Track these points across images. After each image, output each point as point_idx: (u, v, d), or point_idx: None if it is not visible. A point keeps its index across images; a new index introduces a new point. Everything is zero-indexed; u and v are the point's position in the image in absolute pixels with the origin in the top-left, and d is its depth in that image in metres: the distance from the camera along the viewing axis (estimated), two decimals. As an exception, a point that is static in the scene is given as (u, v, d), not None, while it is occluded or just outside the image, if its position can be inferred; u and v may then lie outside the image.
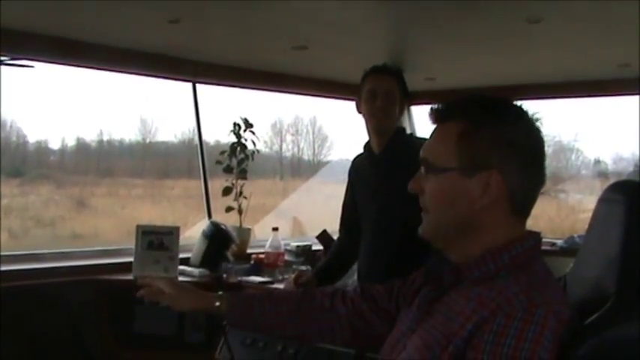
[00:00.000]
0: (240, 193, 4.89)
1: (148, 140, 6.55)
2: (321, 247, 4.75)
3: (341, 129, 6.99)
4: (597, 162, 7.00)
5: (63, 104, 5.45)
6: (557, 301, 1.49)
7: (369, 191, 3.70)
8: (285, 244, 4.73)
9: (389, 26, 3.83)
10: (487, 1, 3.12)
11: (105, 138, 6.43)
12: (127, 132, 6.55)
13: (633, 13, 3.18)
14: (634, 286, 1.49)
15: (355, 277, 4.22)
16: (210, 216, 4.93)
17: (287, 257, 4.64)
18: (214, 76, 4.81)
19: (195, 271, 4.26)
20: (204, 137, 5.02)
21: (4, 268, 3.75)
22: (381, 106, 3.58)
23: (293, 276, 3.93)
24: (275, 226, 4.65)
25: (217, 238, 4.46)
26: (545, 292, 1.50)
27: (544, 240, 1.73)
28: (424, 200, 1.68)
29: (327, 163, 7.25)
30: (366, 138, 3.77)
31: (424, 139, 1.71)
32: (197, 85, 4.85)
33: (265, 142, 6.96)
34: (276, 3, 3.22)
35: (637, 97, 4.94)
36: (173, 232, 4.20)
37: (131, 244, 4.18)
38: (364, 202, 3.74)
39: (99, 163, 6.63)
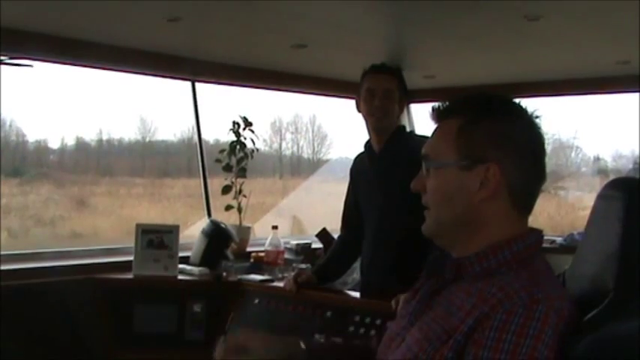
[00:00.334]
0: (240, 191, 4.89)
1: (147, 139, 6.56)
2: (320, 246, 4.76)
3: (340, 127, 6.99)
4: (597, 159, 7.01)
5: (62, 103, 5.45)
6: (557, 298, 1.50)
7: (371, 190, 3.71)
8: (285, 243, 4.73)
9: (388, 24, 3.83)
10: (486, -2, 3.13)
11: (104, 137, 6.43)
12: (126, 131, 6.55)
13: (632, 10, 3.18)
14: (633, 283, 1.50)
15: (355, 275, 4.23)
16: (209, 214, 4.93)
17: (287, 256, 4.64)
18: (213, 74, 4.81)
19: (195, 269, 4.26)
20: (204, 136, 5.02)
21: (3, 267, 3.75)
22: (380, 105, 3.59)
23: (293, 274, 3.94)
24: (275, 224, 4.65)
25: (217, 237, 4.46)
26: (546, 289, 1.51)
27: (544, 237, 1.73)
28: (426, 198, 1.69)
29: (327, 161, 7.25)
30: (366, 136, 3.78)
31: (424, 137, 1.73)
32: (196, 84, 4.85)
33: (265, 140, 6.97)
34: (275, 2, 3.22)
35: (636, 94, 4.94)
36: (173, 231, 4.29)
37: (131, 243, 4.25)
38: (366, 201, 3.75)
39: (98, 162, 6.64)
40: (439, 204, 1.66)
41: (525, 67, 4.88)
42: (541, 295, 1.47)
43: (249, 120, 4.94)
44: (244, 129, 4.92)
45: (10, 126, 5.77)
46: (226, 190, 4.89)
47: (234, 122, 4.91)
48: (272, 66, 4.89)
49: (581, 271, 1.65)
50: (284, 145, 7.29)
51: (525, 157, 1.61)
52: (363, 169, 3.79)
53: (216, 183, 4.98)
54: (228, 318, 3.99)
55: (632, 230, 1.51)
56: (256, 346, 1.86)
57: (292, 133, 7.27)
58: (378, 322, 3.40)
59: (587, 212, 1.67)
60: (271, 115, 6.89)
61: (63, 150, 6.36)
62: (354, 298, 3.76)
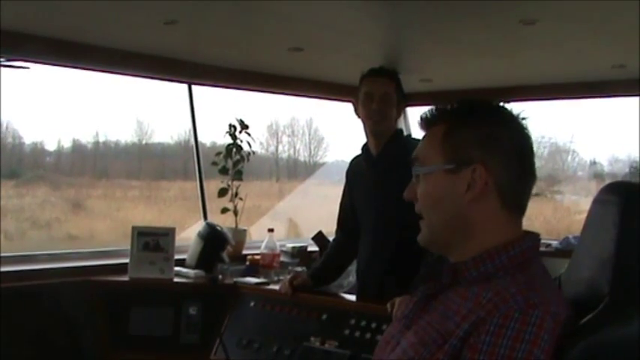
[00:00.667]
0: (236, 194, 4.90)
1: (144, 141, 6.56)
2: (316, 249, 4.76)
3: (337, 130, 7.00)
4: (593, 163, 7.01)
5: (59, 105, 5.45)
6: (554, 302, 1.50)
7: (367, 193, 3.71)
8: (281, 246, 4.74)
9: (384, 28, 3.83)
10: (482, 3, 3.13)
11: (101, 139, 6.43)
12: (123, 133, 6.55)
13: (628, 14, 3.19)
14: (628, 287, 1.50)
15: (351, 277, 4.24)
16: (205, 217, 4.93)
17: (282, 258, 4.65)
18: (210, 77, 4.81)
19: (191, 272, 4.26)
20: (200, 139, 5.02)
21: (-1, 269, 3.75)
22: (378, 109, 3.60)
23: (288, 277, 3.94)
24: (271, 227, 4.66)
25: (213, 240, 4.46)
26: (543, 293, 1.51)
27: (539, 241, 1.74)
28: (419, 207, 1.71)
29: (323, 164, 7.26)
30: (362, 139, 3.79)
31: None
32: (193, 87, 4.85)
33: (261, 143, 6.96)
34: (272, 5, 3.22)
35: (632, 98, 4.95)
36: (169, 234, 4.29)
37: (127, 246, 4.25)
38: (362, 204, 3.75)
39: (95, 164, 6.64)
40: (430, 209, 1.68)
41: (521, 71, 4.88)
42: (537, 299, 1.48)
43: (246, 123, 4.94)
44: (241, 132, 4.93)
45: (7, 128, 5.77)
46: (222, 192, 4.89)
47: (230, 125, 4.92)
48: (269, 69, 4.89)
49: (577, 275, 1.65)
50: (280, 148, 7.30)
51: (511, 156, 1.63)
52: (359, 171, 3.79)
53: (213, 186, 4.98)
54: (224, 321, 3.99)
55: (628, 235, 1.51)
56: None
57: (289, 136, 7.28)
58: (374, 325, 3.41)
59: (583, 216, 1.67)
60: (268, 117, 6.90)
61: (59, 152, 6.36)
62: (350, 301, 3.76)
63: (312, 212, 6.49)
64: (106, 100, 5.39)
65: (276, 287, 3.97)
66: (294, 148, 7.34)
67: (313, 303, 3.75)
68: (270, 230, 4.60)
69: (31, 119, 5.57)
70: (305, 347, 3.57)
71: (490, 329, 1.44)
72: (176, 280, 4.22)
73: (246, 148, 4.94)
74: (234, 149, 4.91)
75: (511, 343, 1.41)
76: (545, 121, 6.02)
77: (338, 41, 4.01)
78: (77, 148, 6.41)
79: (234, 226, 4.85)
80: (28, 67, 3.96)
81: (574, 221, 6.25)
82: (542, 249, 1.76)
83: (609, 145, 6.65)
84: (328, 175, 6.82)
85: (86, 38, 3.92)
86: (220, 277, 4.24)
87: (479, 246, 1.61)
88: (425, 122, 1.72)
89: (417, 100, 4.92)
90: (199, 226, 4.64)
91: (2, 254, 3.96)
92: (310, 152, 7.40)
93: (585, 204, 1.51)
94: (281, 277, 4.22)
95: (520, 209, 1.67)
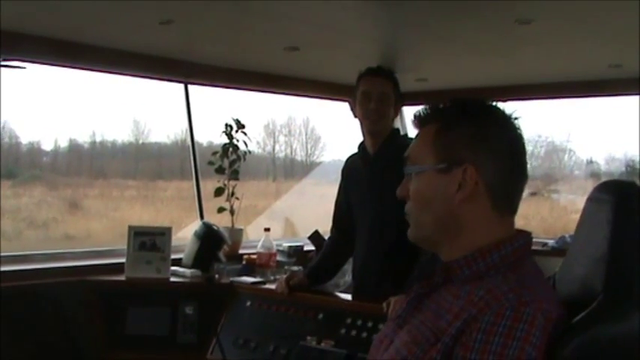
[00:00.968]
0: (232, 193, 4.89)
1: (140, 141, 6.57)
2: (313, 248, 4.76)
3: (334, 130, 7.01)
4: (590, 162, 7.03)
5: (55, 105, 5.46)
6: (546, 300, 1.50)
7: (363, 192, 3.71)
8: (277, 245, 4.73)
9: (380, 27, 3.83)
10: (478, 2, 3.13)
11: (97, 139, 6.45)
12: (119, 133, 6.57)
13: (624, 14, 3.20)
14: (621, 285, 1.50)
15: (347, 277, 4.24)
16: (202, 217, 4.93)
17: (279, 258, 4.64)
18: (206, 77, 4.81)
19: (187, 271, 4.26)
20: (197, 138, 5.02)
21: (-4, 269, 3.75)
22: (375, 108, 3.60)
23: (285, 277, 3.94)
24: (267, 226, 4.66)
25: (209, 239, 4.46)
26: (534, 291, 1.51)
27: (535, 240, 1.74)
28: (409, 205, 1.71)
29: (320, 164, 7.26)
30: (359, 139, 3.79)
31: (418, 141, 1.75)
32: (189, 86, 4.85)
33: (258, 142, 6.98)
34: (267, 4, 3.22)
35: (629, 97, 4.96)
36: (165, 233, 4.29)
37: (123, 245, 4.25)
38: (358, 203, 3.75)
39: (92, 164, 6.65)
40: (419, 209, 1.68)
41: (517, 70, 4.89)
42: (529, 297, 1.48)
43: (242, 122, 4.94)
44: (237, 131, 4.92)
45: (4, 128, 5.77)
46: (219, 192, 4.89)
47: (226, 125, 4.91)
48: (265, 68, 4.89)
49: (571, 273, 1.65)
50: (277, 147, 7.31)
51: (502, 156, 1.63)
52: (355, 170, 3.80)
53: (209, 185, 4.98)
54: (221, 320, 3.99)
55: (621, 233, 1.52)
56: None
57: (285, 135, 7.29)
58: (370, 324, 3.41)
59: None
60: (265, 117, 6.91)
61: (56, 152, 6.37)
62: (346, 301, 3.76)
63: (308, 212, 6.49)
64: (102, 99, 5.40)
65: (273, 287, 3.97)
66: (291, 147, 7.35)
67: (309, 302, 3.75)
68: (267, 230, 4.60)
69: (28, 119, 5.58)
70: (301, 346, 3.57)
71: (482, 327, 1.44)
72: (173, 279, 4.22)
73: (242, 147, 4.94)
74: (231, 149, 4.90)
75: (503, 341, 1.41)
76: (542, 121, 6.03)
77: (334, 41, 4.01)
78: (74, 147, 6.42)
79: (230, 225, 4.85)
80: (24, 67, 3.96)
81: (571, 220, 6.26)
82: (538, 248, 1.77)
83: (606, 144, 6.67)
84: (325, 175, 6.82)
85: (82, 38, 3.92)
86: (217, 276, 4.24)
87: (469, 245, 1.62)
88: (418, 121, 1.72)
89: (413, 99, 4.91)
90: (196, 225, 4.64)
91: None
92: (307, 152, 7.41)
93: (582, 203, 1.52)
94: (277, 277, 4.22)
95: (511, 209, 1.67)
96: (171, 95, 4.91)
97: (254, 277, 4.30)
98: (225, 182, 4.90)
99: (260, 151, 6.94)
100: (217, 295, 4.11)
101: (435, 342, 1.51)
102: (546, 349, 1.43)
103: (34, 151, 6.26)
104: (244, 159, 4.96)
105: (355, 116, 3.74)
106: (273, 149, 7.28)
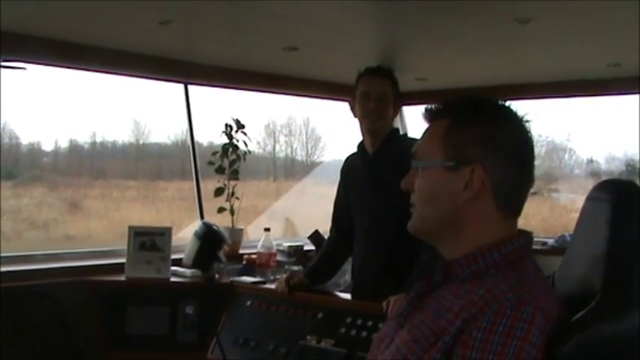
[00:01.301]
0: (232, 193, 4.90)
1: (140, 142, 6.57)
2: (313, 248, 4.76)
3: (334, 130, 7.01)
4: (590, 162, 7.03)
5: (56, 106, 5.46)
6: (545, 299, 1.51)
7: (362, 191, 3.72)
8: (277, 245, 4.74)
9: (379, 27, 3.84)
10: (476, 1, 3.13)
11: (98, 139, 6.44)
12: (119, 133, 6.57)
13: (622, 13, 3.20)
14: (620, 284, 1.51)
15: (347, 276, 4.24)
16: (202, 217, 4.93)
17: (279, 257, 4.65)
18: (206, 77, 4.81)
19: (188, 271, 4.26)
20: (197, 138, 5.02)
21: (-3, 270, 3.76)
22: (375, 108, 3.60)
23: (284, 276, 3.94)
24: (267, 226, 4.66)
25: (209, 239, 4.46)
26: (534, 290, 1.52)
27: (535, 239, 1.74)
28: (414, 197, 1.71)
29: (320, 163, 7.26)
30: (359, 138, 3.79)
31: (417, 140, 1.74)
32: (189, 87, 4.85)
33: (259, 142, 6.98)
34: (266, 4, 3.22)
35: (629, 96, 4.96)
36: (165, 233, 4.29)
37: (124, 246, 4.25)
38: (357, 202, 3.76)
39: (92, 164, 6.65)
40: (424, 203, 1.68)
41: (516, 70, 4.89)
42: (528, 296, 1.48)
43: (242, 122, 4.94)
44: (237, 131, 4.92)
45: (4, 128, 5.77)
46: (219, 192, 4.89)
47: (226, 125, 4.91)
48: (264, 68, 4.89)
49: (570, 272, 1.66)
50: (278, 147, 7.31)
51: (511, 159, 1.62)
52: (354, 169, 3.80)
53: (210, 185, 4.98)
54: (221, 320, 4.00)
55: (620, 232, 1.52)
56: None
57: (286, 135, 7.29)
58: (370, 323, 3.42)
59: (580, 214, 1.68)
60: (265, 117, 6.91)
61: (56, 152, 6.37)
62: (346, 300, 3.77)
63: (308, 211, 6.49)
64: (102, 100, 5.40)
65: (273, 286, 3.97)
66: (291, 147, 7.35)
67: (309, 302, 3.76)
68: (267, 229, 4.60)
69: (28, 120, 5.57)
70: (301, 346, 3.57)
71: (482, 326, 1.44)
72: (173, 279, 4.22)
73: (242, 147, 4.94)
74: (231, 149, 4.91)
75: (503, 340, 1.42)
76: (542, 120, 6.03)
77: (332, 40, 4.01)
78: (74, 148, 6.42)
79: (230, 225, 4.85)
80: (24, 68, 3.96)
81: (571, 219, 6.25)
82: (538, 247, 1.78)
83: (606, 143, 6.67)
84: (325, 175, 6.82)
85: (82, 39, 3.93)
86: (217, 276, 4.24)
87: (470, 243, 1.62)
88: (429, 114, 1.71)
89: (412, 99, 4.92)
90: (196, 225, 4.65)
91: (0, 255, 3.96)
92: (307, 152, 7.41)
93: (582, 202, 1.52)
94: (277, 277, 4.22)
95: (515, 212, 1.66)
96: (171, 95, 4.92)
97: (254, 276, 4.31)
98: (226, 182, 4.90)
99: (260, 151, 6.95)
100: (217, 295, 4.11)
101: (435, 341, 1.51)
102: (546, 348, 1.43)
103: (35, 151, 6.26)
104: (244, 159, 4.96)
105: (355, 116, 3.74)
106: (274, 149, 7.28)
